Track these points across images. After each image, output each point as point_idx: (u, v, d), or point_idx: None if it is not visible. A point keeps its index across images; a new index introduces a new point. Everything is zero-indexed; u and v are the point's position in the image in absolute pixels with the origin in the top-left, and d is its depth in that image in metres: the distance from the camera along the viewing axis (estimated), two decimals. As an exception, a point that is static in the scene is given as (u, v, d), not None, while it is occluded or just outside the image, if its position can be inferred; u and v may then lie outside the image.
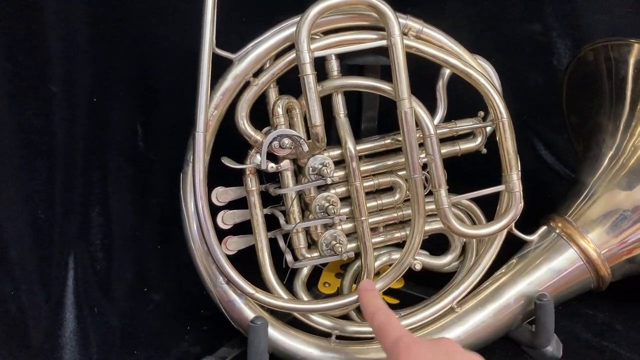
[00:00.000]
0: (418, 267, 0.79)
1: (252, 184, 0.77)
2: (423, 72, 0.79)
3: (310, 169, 0.77)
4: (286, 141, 0.74)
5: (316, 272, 0.82)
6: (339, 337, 0.79)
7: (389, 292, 0.92)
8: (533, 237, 0.84)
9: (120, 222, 0.88)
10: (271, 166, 0.75)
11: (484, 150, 0.83)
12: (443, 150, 0.81)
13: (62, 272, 0.82)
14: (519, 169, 0.79)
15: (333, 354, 0.77)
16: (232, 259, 0.77)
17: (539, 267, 0.82)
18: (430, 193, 0.77)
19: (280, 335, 0.77)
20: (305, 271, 0.82)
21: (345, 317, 0.82)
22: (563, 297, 0.83)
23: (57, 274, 0.82)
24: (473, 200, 0.83)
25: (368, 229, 0.78)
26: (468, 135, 0.83)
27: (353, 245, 0.80)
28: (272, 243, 0.80)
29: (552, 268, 0.82)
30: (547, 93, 1.06)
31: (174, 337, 0.86)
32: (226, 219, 0.78)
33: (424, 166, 0.76)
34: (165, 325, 0.87)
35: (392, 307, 0.89)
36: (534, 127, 1.11)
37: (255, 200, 0.77)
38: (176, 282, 0.91)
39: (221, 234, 0.78)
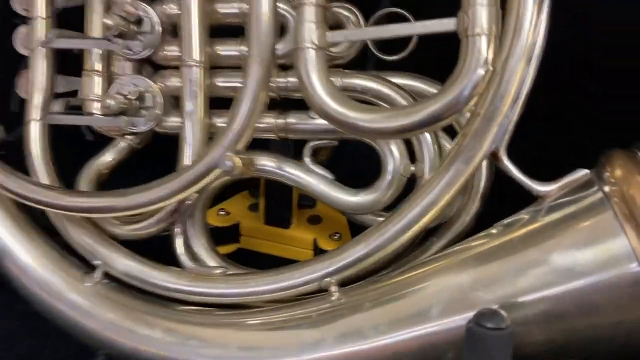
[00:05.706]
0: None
1: None
2: None
3: None
4: None
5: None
6: (109, 277, 0.43)
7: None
8: (549, 188, 0.37)
9: None
10: None
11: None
12: None
13: None
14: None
15: (57, 302, 0.41)
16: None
17: (532, 253, 0.35)
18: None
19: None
20: (108, 157, 0.45)
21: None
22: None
23: None
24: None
25: (201, 85, 0.40)
26: None
27: (174, 121, 0.42)
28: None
29: (558, 260, 0.34)
30: None
31: None
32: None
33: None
34: None
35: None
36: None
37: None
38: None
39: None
